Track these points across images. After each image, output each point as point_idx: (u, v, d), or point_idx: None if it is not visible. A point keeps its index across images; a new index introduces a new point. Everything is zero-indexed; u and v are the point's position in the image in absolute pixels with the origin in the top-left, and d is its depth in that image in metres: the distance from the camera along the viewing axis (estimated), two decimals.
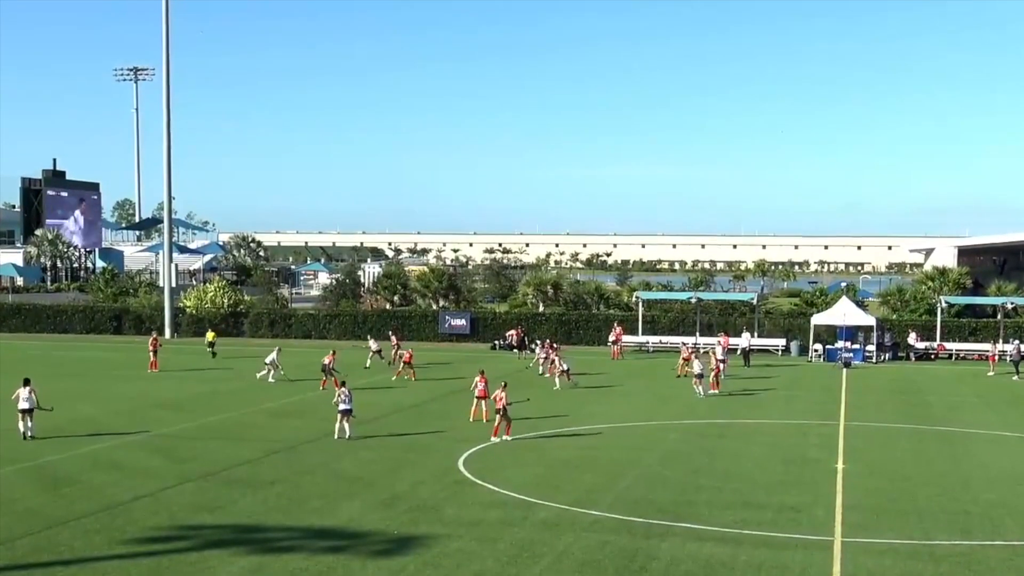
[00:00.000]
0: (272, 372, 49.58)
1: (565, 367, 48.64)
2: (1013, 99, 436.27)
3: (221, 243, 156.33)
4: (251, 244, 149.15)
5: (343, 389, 34.92)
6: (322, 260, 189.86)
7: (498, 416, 34.63)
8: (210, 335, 63.36)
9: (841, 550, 21.94)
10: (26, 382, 34.22)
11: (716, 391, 46.52)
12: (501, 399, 34.60)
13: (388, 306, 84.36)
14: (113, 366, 57.51)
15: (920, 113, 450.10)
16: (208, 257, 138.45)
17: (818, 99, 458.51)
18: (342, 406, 34.42)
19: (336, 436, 34.49)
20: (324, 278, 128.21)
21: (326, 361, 47.09)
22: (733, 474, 29.80)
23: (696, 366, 46.88)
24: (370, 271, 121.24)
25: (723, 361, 50.49)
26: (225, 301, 77.94)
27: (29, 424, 33.75)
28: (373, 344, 57.75)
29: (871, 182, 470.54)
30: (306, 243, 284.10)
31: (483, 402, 37.77)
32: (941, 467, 31.33)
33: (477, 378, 38.75)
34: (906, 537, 23.08)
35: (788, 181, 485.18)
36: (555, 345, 54.83)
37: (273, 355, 49.93)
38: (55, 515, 24.19)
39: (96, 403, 42.65)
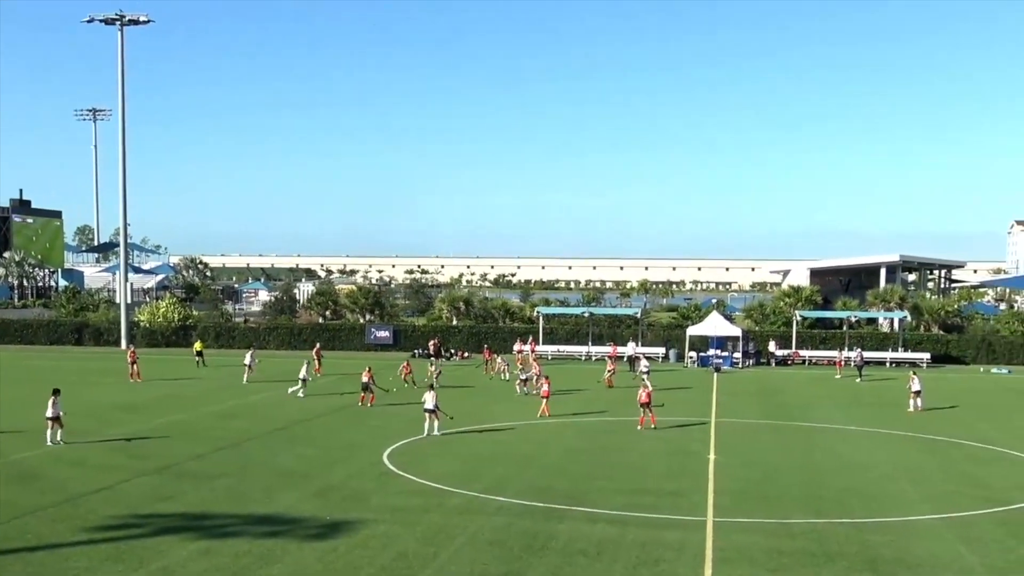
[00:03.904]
0: (302, 387, 45.89)
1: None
2: (855, 139, 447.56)
3: (172, 264, 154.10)
4: (198, 265, 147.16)
5: (431, 393, 35.08)
6: (262, 279, 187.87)
7: None
8: (198, 344, 62.34)
9: (713, 529, 22.20)
10: (55, 392, 33.13)
11: (529, 390, 46.04)
12: None
13: (320, 320, 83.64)
14: (75, 373, 56.02)
15: (778, 149, 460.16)
16: (160, 277, 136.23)
17: (695, 137, 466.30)
18: (427, 405, 34.60)
19: (426, 434, 34.29)
20: (264, 295, 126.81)
21: (364, 378, 43.11)
22: (623, 465, 29.97)
23: (521, 371, 46.96)
24: (304, 289, 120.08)
25: (612, 372, 50.85)
26: (175, 316, 77.06)
27: (57, 432, 32.43)
28: (248, 358, 52.82)
29: (738, 212, 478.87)
30: (248, 264, 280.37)
31: (648, 409, 37.16)
32: (798, 457, 31.80)
33: (642, 391, 38.00)
34: (768, 517, 23.40)
35: (667, 210, 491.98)
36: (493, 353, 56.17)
37: (303, 370, 46.47)
38: (23, 506, 23.60)
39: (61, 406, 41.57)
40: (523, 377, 46.65)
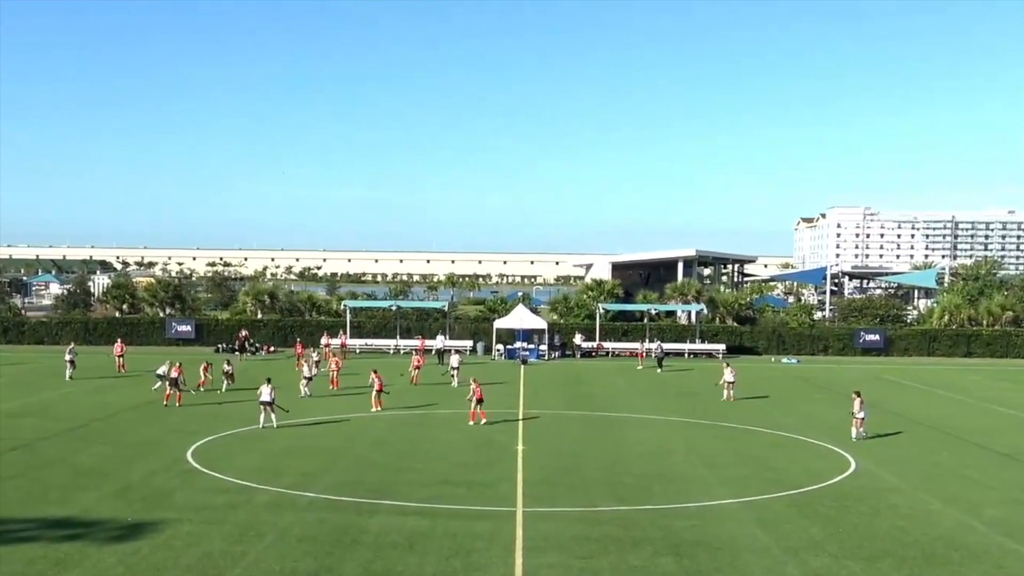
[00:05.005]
0: (160, 383, 42.81)
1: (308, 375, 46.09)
2: (652, 138, 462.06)
3: None
4: None
5: (268, 386, 34.80)
6: (53, 272, 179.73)
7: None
8: None
9: (523, 518, 22.49)
10: None
11: (307, 394, 44.43)
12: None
13: (117, 314, 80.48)
14: None
15: (578, 147, 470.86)
16: None
17: (496, 135, 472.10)
18: (263, 398, 34.44)
19: (261, 426, 34.24)
20: (56, 288, 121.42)
21: (174, 374, 40.93)
22: (431, 457, 30.01)
23: (306, 370, 45.76)
24: (100, 282, 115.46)
25: (418, 368, 50.52)
26: None
27: None
28: (68, 353, 50.87)
29: (541, 208, 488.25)
30: (37, 256, 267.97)
31: (477, 406, 36.81)
32: (603, 446, 32.52)
33: (475, 386, 37.56)
34: (575, 505, 23.88)
35: (472, 205, 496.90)
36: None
37: (163, 368, 42.82)
38: None
39: None
40: (308, 375, 45.05)
